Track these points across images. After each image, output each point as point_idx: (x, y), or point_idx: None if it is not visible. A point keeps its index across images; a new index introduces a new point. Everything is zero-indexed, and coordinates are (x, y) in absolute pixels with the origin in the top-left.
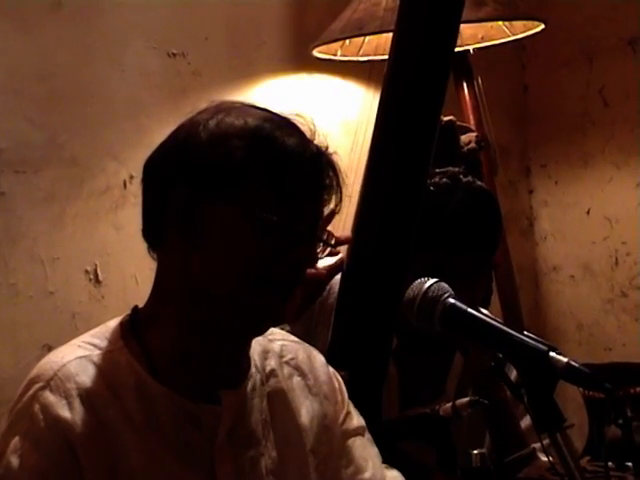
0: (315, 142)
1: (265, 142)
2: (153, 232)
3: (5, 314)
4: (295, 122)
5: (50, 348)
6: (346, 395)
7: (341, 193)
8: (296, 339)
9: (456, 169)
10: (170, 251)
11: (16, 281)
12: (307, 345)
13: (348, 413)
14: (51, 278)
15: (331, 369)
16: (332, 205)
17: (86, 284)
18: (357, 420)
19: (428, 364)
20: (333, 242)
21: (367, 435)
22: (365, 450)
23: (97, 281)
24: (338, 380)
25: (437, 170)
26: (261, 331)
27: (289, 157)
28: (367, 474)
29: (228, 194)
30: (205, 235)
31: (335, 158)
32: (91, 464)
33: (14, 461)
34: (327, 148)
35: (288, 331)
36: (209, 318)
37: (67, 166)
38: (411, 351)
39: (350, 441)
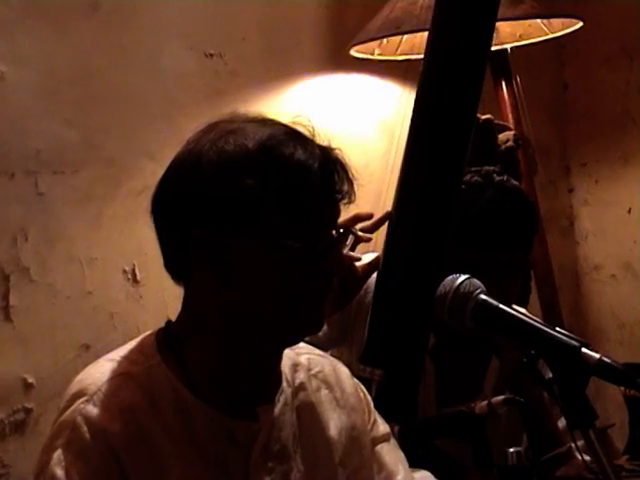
0: (317, 143)
1: (272, 167)
2: (177, 268)
3: (44, 314)
4: (295, 128)
5: (88, 348)
6: (371, 404)
7: (352, 186)
8: (320, 352)
9: (491, 168)
10: (199, 284)
11: (54, 281)
12: (332, 358)
13: (375, 421)
14: (89, 278)
15: (355, 380)
16: (346, 200)
17: (124, 284)
18: (383, 427)
19: (465, 363)
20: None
21: (392, 440)
22: (394, 454)
23: (135, 281)
24: (363, 391)
25: (472, 169)
26: (298, 342)
27: (299, 176)
28: (399, 477)
29: (247, 229)
30: (233, 270)
31: (340, 154)
32: (138, 476)
33: (59, 472)
34: (330, 146)
35: (325, 331)
36: (246, 340)
37: (104, 167)
38: (448, 350)
39: (378, 447)
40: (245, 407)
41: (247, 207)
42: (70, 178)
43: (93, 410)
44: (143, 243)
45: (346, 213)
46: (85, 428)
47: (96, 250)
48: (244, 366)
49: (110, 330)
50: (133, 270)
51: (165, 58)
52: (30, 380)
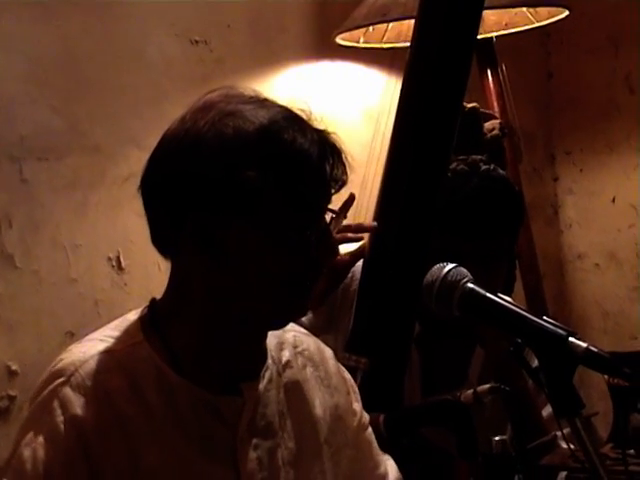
0: (314, 127)
1: (272, 156)
2: (166, 245)
3: (28, 301)
4: (292, 110)
5: (73, 335)
6: (356, 388)
7: (346, 171)
8: (305, 331)
9: (478, 157)
10: (188, 262)
11: (39, 268)
12: (315, 337)
13: (362, 406)
14: (74, 265)
15: (337, 362)
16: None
17: (109, 271)
18: (365, 413)
19: (451, 351)
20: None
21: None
22: (374, 441)
23: (120, 268)
24: (346, 372)
25: (459, 157)
26: (284, 325)
27: (299, 164)
28: (382, 468)
29: (247, 217)
30: (228, 256)
31: (336, 138)
32: (107, 464)
33: (25, 453)
34: (326, 130)
35: (310, 318)
36: (232, 321)
37: (89, 153)
38: (434, 338)
39: (367, 434)
40: (229, 384)
41: (247, 196)
42: (55, 165)
43: (69, 393)
44: (128, 230)
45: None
46: (59, 412)
47: (81, 237)
48: (228, 344)
49: (95, 317)
50: (118, 257)
51: (151, 45)
52: (14, 367)
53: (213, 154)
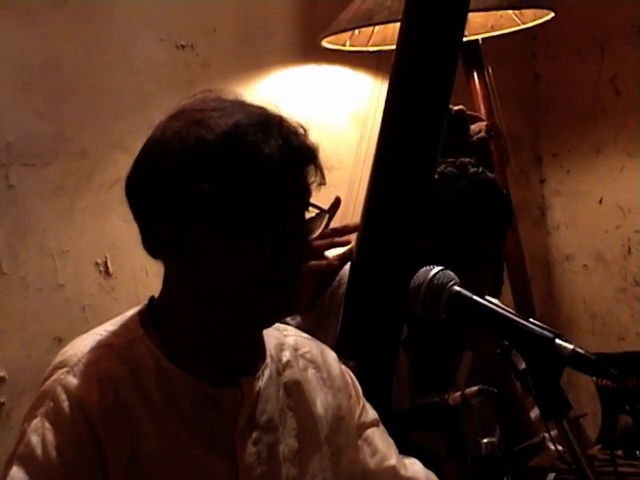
0: (285, 128)
1: (230, 162)
2: (150, 247)
3: (15, 307)
4: (263, 113)
5: (61, 340)
6: (360, 390)
7: (321, 169)
8: (308, 336)
9: (466, 159)
10: (171, 266)
11: (26, 274)
12: (318, 341)
13: (363, 407)
14: (61, 271)
15: (342, 365)
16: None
17: (96, 276)
18: (372, 412)
19: (439, 353)
20: (327, 215)
21: (381, 426)
22: (385, 439)
23: (107, 273)
24: (350, 376)
25: (448, 160)
26: (270, 324)
27: (257, 169)
28: (392, 461)
29: (207, 225)
30: (198, 259)
31: (308, 141)
32: (112, 445)
33: (34, 439)
34: (296, 131)
35: (299, 322)
36: (219, 316)
37: (76, 159)
38: (422, 340)
39: (369, 431)
40: (229, 379)
41: (205, 205)
42: (41, 170)
43: (73, 381)
44: (115, 235)
45: (318, 197)
46: (64, 397)
47: (68, 242)
48: (222, 341)
49: (82, 323)
50: (105, 262)
51: (136, 50)
52: (1, 374)
53: (175, 164)
